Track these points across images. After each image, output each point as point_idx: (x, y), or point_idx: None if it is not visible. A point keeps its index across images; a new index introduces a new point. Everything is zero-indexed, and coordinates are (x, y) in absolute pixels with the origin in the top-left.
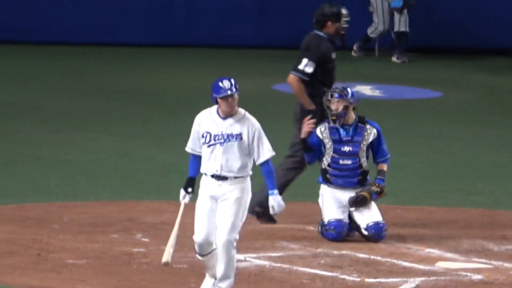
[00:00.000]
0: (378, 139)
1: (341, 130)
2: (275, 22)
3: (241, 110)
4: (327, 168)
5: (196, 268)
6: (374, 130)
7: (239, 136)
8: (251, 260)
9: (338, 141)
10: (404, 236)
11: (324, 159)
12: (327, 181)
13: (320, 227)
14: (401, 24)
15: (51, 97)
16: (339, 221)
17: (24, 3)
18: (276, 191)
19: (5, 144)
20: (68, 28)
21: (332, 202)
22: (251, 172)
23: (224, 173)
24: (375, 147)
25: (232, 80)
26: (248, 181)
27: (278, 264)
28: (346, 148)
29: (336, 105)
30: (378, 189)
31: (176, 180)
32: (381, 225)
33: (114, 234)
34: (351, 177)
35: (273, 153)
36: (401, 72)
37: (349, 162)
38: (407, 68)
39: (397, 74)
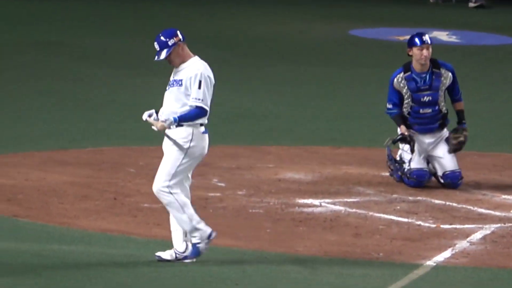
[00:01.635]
0: (453, 80)
1: (418, 79)
2: None
3: (193, 59)
4: (407, 116)
5: (272, 213)
6: (449, 74)
7: (179, 82)
8: (326, 205)
9: (416, 91)
10: (479, 183)
11: (404, 108)
12: (408, 127)
13: (398, 171)
14: None
15: (126, 42)
16: (421, 170)
17: None
18: (174, 119)
19: (81, 88)
20: None
21: (415, 149)
22: (200, 122)
23: (164, 118)
24: (451, 88)
25: (162, 38)
26: (191, 130)
27: (354, 210)
28: (426, 98)
29: (426, 52)
30: (467, 133)
31: (251, 125)
32: (457, 173)
33: None
34: (432, 123)
35: (197, 103)
36: (478, 18)
37: (429, 110)
38: (484, 14)
39: (474, 20)
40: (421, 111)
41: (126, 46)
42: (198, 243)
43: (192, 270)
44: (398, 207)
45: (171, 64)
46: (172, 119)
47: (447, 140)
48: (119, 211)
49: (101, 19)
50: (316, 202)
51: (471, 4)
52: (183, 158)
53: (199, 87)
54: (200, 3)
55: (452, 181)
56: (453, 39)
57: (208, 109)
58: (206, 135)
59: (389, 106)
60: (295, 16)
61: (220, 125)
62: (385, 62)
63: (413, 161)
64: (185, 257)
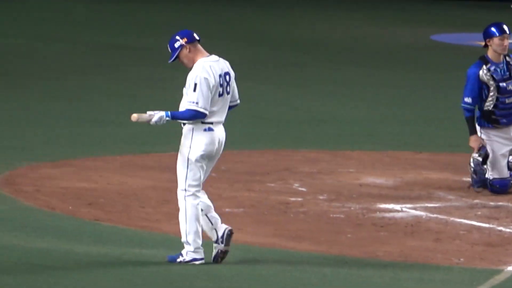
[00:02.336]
0: None
1: (498, 69)
2: None
3: (198, 60)
4: (492, 109)
5: (353, 218)
6: None
7: (185, 84)
8: (408, 210)
9: (501, 80)
10: None
11: (488, 101)
12: (493, 122)
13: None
14: None
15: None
16: (504, 180)
17: None
18: (166, 114)
19: (159, 91)
20: None
21: (498, 155)
22: (203, 121)
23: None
24: None
25: (171, 40)
26: (191, 127)
27: (435, 215)
28: (510, 86)
29: (506, 41)
30: None
31: (333, 129)
32: None
33: (270, 183)
34: None
35: (191, 106)
36: None
37: None
38: None
39: None
40: (506, 101)
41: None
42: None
43: (273, 275)
44: (479, 213)
45: (184, 66)
46: (164, 113)
47: None
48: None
49: (181, 24)
50: (397, 207)
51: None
52: (185, 159)
53: (194, 90)
54: (279, 7)
55: None
56: None
57: (203, 111)
58: (211, 133)
59: (468, 100)
60: (376, 20)
61: (301, 130)
62: (465, 67)
63: (494, 169)
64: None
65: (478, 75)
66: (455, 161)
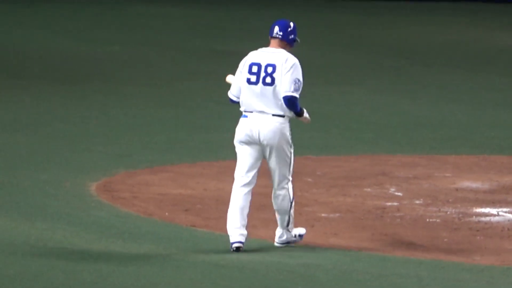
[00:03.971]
0: None
1: None
2: None
3: None
4: None
5: (449, 222)
6: None
7: None
8: (504, 214)
9: None
10: None
11: None
12: None
13: None
14: None
15: (303, 50)
16: None
17: None
18: None
19: None
20: None
21: None
22: (240, 109)
23: None
24: None
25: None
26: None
27: None
28: None
29: None
30: None
31: (429, 134)
32: None
33: (367, 188)
34: None
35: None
36: None
37: None
38: None
39: None
40: None
41: (303, 55)
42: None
43: (369, 280)
44: None
45: None
46: None
47: None
48: (296, 221)
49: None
50: (493, 211)
51: None
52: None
53: None
54: (378, 12)
55: None
56: None
57: (228, 93)
58: (243, 119)
59: None
60: (474, 24)
61: (398, 134)
62: None
63: None
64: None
65: None
66: None
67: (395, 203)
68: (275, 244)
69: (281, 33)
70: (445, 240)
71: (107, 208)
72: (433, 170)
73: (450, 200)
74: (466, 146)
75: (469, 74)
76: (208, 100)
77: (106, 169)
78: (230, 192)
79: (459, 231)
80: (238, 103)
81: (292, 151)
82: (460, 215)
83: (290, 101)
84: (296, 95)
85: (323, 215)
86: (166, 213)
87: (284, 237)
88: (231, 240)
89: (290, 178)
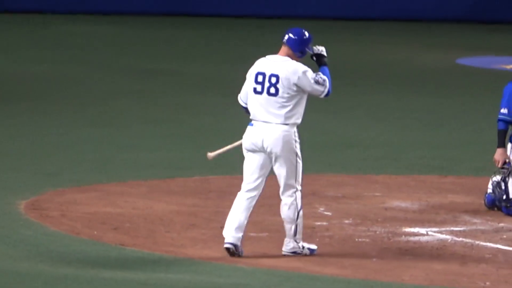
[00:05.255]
0: None
1: None
2: None
3: None
4: None
5: (378, 242)
6: None
7: None
8: (433, 234)
9: None
10: None
11: None
12: None
13: (497, 199)
14: None
15: (233, 70)
16: None
17: None
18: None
19: (188, 116)
20: (252, 1)
21: None
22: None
23: None
24: None
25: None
26: None
27: (460, 239)
28: None
29: None
30: None
31: (358, 154)
32: None
33: None
34: None
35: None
36: None
37: None
38: None
39: None
40: None
41: (233, 75)
42: None
43: None
44: (505, 236)
45: None
46: None
47: None
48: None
49: (210, 47)
50: (422, 231)
51: None
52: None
53: None
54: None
55: None
56: None
57: (239, 99)
58: (249, 128)
59: (504, 111)
60: (401, 44)
61: (326, 153)
62: (492, 91)
63: (511, 192)
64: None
65: None
66: (481, 185)
67: (324, 223)
68: (282, 252)
69: (291, 41)
70: (374, 259)
71: (36, 226)
72: (362, 189)
73: (379, 219)
74: (395, 166)
75: (397, 94)
76: (137, 119)
77: (34, 188)
78: (159, 211)
79: (388, 251)
80: (247, 108)
81: (298, 160)
82: (389, 235)
83: (330, 91)
84: (325, 87)
85: (252, 234)
86: (95, 232)
87: (291, 246)
88: (224, 241)
89: (298, 187)
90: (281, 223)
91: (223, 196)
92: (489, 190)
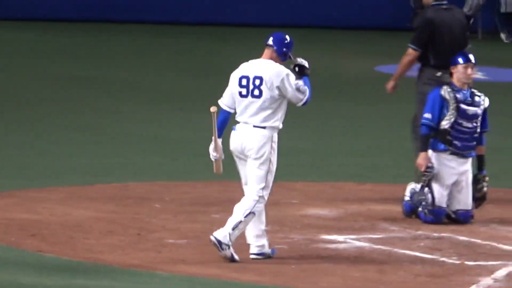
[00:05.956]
0: (487, 107)
1: (462, 93)
2: (377, 2)
3: None
4: (448, 129)
5: (296, 249)
6: (486, 98)
7: None
8: (351, 241)
9: (463, 102)
10: (504, 220)
11: (444, 120)
12: (446, 142)
13: (415, 202)
14: (508, 5)
15: (156, 76)
16: (442, 209)
17: None
18: None
19: (108, 123)
20: (174, 8)
21: (441, 183)
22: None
23: None
24: (483, 115)
25: None
26: None
27: (378, 246)
28: (471, 111)
29: (471, 70)
30: (488, 182)
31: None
32: (470, 213)
33: (214, 214)
34: (470, 141)
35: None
36: (504, 54)
37: (471, 125)
38: (510, 50)
39: (500, 56)
40: (464, 124)
41: (157, 81)
42: None
43: None
44: (422, 244)
45: None
46: None
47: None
48: (143, 247)
49: (131, 54)
50: (340, 238)
51: (502, 36)
52: None
53: None
54: (226, 37)
55: (464, 220)
56: (480, 75)
57: (221, 104)
58: (233, 132)
59: (428, 116)
60: (323, 51)
61: None
62: (411, 98)
63: (435, 197)
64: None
65: (440, 93)
66: (399, 192)
67: None
68: (212, 234)
69: (275, 44)
70: (293, 266)
71: None
72: (280, 196)
73: (297, 226)
74: (314, 173)
75: (318, 102)
76: (57, 125)
77: None
78: (77, 218)
79: (306, 258)
80: (227, 113)
81: (270, 167)
82: (307, 242)
83: (307, 103)
84: (305, 96)
85: (170, 241)
86: (12, 238)
87: (221, 235)
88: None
89: (264, 193)
90: (199, 229)
91: (141, 203)
92: (406, 198)
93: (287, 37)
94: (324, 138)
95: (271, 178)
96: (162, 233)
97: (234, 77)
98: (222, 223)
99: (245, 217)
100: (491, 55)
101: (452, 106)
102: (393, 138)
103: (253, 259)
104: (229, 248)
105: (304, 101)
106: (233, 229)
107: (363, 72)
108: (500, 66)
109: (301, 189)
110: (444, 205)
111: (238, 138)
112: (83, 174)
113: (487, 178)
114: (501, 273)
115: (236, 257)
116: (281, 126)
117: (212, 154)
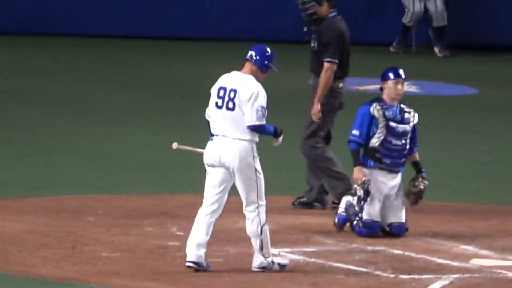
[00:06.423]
0: (417, 123)
1: (391, 110)
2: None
3: None
4: (378, 147)
5: (230, 262)
6: (416, 114)
7: None
8: (285, 254)
9: (392, 119)
10: (438, 233)
11: (374, 138)
12: (376, 160)
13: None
14: (439, 19)
15: (87, 90)
16: (375, 223)
17: None
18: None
19: (41, 136)
20: (107, 21)
21: (373, 197)
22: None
23: None
24: (413, 132)
25: None
26: None
27: (312, 259)
28: (400, 129)
29: (401, 86)
30: (427, 182)
31: None
32: (404, 226)
33: (148, 227)
34: (399, 158)
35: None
36: (438, 68)
37: (400, 142)
38: (444, 64)
39: (434, 70)
40: (393, 142)
41: (87, 95)
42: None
43: None
44: (357, 257)
45: None
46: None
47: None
48: (77, 260)
49: (62, 67)
50: (274, 251)
51: (436, 50)
52: None
53: None
54: (161, 50)
55: (398, 233)
56: (413, 89)
57: (206, 116)
58: (209, 143)
59: (356, 132)
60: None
61: (180, 174)
62: (344, 112)
63: (369, 210)
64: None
65: (369, 111)
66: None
67: (177, 243)
68: (252, 268)
69: (255, 57)
70: (226, 279)
71: None
72: None
73: (231, 239)
74: None
75: None
76: None
77: None
78: (10, 231)
79: (240, 271)
80: (209, 122)
81: (258, 175)
82: (242, 255)
83: (255, 130)
84: (260, 122)
85: (104, 254)
86: None
87: (258, 262)
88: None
89: (260, 203)
90: (133, 242)
91: (75, 216)
92: (341, 210)
93: (268, 49)
94: (260, 151)
95: (261, 183)
96: (96, 246)
97: (215, 87)
98: (156, 236)
99: (261, 234)
100: (425, 69)
101: (381, 124)
102: None
103: (188, 266)
104: (273, 263)
105: (254, 123)
106: (262, 249)
107: (298, 85)
108: (434, 80)
109: (236, 202)
110: (377, 219)
111: (216, 150)
112: (17, 187)
113: (425, 181)
114: (435, 286)
115: (283, 262)
116: (257, 139)
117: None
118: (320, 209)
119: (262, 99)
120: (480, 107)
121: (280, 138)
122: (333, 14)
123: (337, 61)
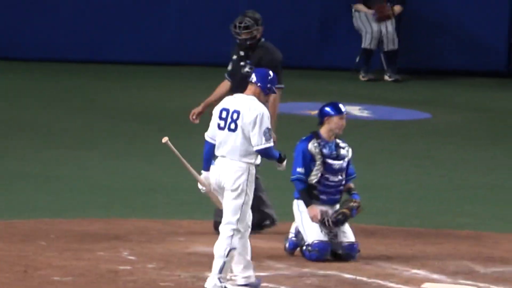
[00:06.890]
0: (351, 158)
1: (327, 147)
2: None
3: None
4: (316, 185)
5: (182, 286)
6: (350, 149)
7: None
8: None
9: (329, 157)
10: (390, 257)
11: (312, 176)
12: (313, 197)
13: (299, 240)
14: (389, 42)
15: (39, 114)
16: (323, 242)
17: (14, 19)
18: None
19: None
20: (58, 45)
21: (314, 220)
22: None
23: None
24: (347, 166)
25: None
26: None
27: (264, 284)
28: (336, 165)
29: (344, 121)
30: (356, 204)
31: (163, 198)
32: (355, 245)
33: (100, 251)
34: (335, 194)
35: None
36: (389, 93)
37: (337, 179)
38: (396, 89)
39: (386, 95)
40: (330, 178)
41: (38, 119)
42: None
43: None
44: (309, 281)
45: None
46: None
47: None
48: (29, 284)
49: (12, 92)
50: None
51: (386, 77)
52: None
53: None
54: (111, 75)
55: (351, 254)
56: (365, 113)
57: (206, 136)
58: (211, 167)
59: (302, 170)
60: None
61: (132, 198)
62: (298, 136)
63: (312, 232)
64: None
65: (308, 147)
66: (285, 229)
67: (128, 267)
68: None
69: (258, 81)
70: None
71: None
72: (166, 234)
73: (183, 264)
74: (199, 211)
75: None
76: None
77: None
78: None
79: None
80: (211, 144)
81: (246, 198)
82: (193, 279)
83: (264, 153)
84: (269, 145)
85: (56, 278)
86: None
87: (212, 284)
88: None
89: (240, 229)
90: (85, 267)
91: (27, 240)
92: (291, 235)
93: (270, 72)
94: None
95: (246, 209)
96: (48, 271)
97: (217, 109)
98: (107, 261)
99: (227, 256)
100: (376, 94)
101: (318, 161)
102: (275, 177)
103: None
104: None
105: (264, 146)
106: (220, 272)
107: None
108: (386, 104)
109: (188, 226)
110: (324, 238)
111: (216, 172)
112: None
113: (358, 202)
114: None
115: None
116: (258, 161)
117: (199, 186)
118: (271, 226)
119: (267, 121)
120: (432, 132)
121: (284, 163)
122: (263, 38)
123: (283, 86)
